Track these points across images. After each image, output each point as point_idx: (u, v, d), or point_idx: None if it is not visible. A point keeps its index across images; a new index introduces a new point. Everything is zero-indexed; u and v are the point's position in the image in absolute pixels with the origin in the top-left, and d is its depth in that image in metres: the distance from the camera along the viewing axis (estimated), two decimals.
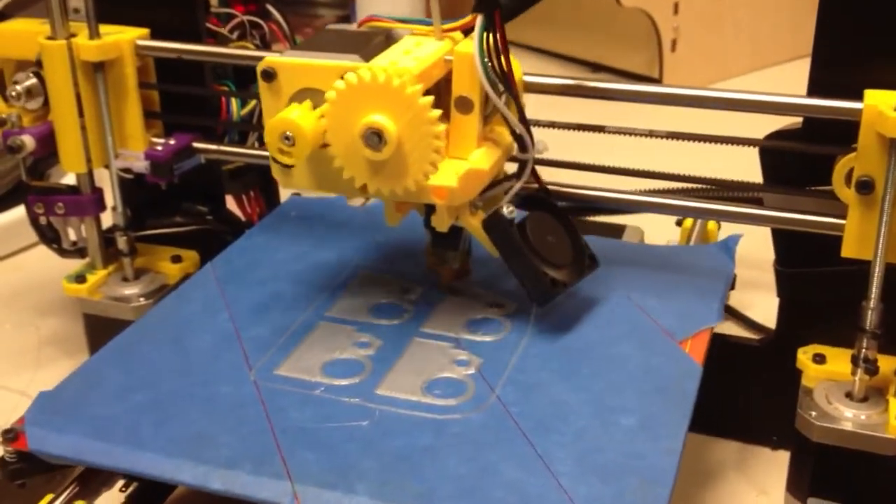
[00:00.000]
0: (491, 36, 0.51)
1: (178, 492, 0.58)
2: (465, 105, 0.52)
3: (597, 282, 0.59)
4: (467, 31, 0.53)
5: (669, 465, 0.47)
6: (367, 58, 0.52)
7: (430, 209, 0.57)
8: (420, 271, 0.63)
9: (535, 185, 0.58)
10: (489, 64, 0.51)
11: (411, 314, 0.59)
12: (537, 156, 0.55)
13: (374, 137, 0.49)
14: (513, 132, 0.53)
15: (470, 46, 0.51)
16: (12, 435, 0.51)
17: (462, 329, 0.58)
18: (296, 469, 0.47)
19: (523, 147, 0.54)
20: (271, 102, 0.52)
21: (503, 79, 0.52)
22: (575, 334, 0.56)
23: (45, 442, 0.50)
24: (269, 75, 0.52)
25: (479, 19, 0.50)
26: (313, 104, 0.51)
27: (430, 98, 0.49)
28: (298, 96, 0.52)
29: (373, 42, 0.53)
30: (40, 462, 0.50)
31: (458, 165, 0.52)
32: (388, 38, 0.54)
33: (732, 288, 0.64)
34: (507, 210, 0.54)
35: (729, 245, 0.65)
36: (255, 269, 0.65)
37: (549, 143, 0.56)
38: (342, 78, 0.49)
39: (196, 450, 0.48)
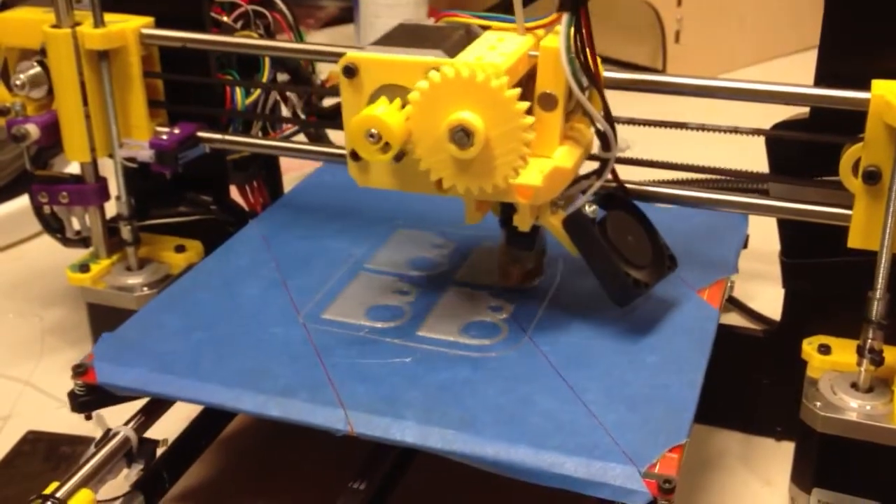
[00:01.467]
0: (576, 32, 0.50)
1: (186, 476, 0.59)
2: (549, 101, 0.51)
3: None
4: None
5: (691, 395, 0.50)
6: (451, 53, 0.51)
7: (507, 208, 0.57)
8: (453, 227, 0.66)
9: (613, 184, 0.57)
10: (574, 59, 0.50)
11: (447, 266, 0.63)
12: (619, 154, 0.54)
13: (462, 135, 0.48)
14: (596, 129, 0.53)
15: (555, 42, 0.50)
16: (82, 369, 0.54)
17: (494, 279, 0.61)
18: (347, 398, 0.50)
19: (606, 145, 0.53)
20: (352, 99, 0.51)
21: (589, 75, 0.51)
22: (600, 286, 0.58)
23: (112, 375, 0.54)
24: (351, 71, 0.51)
25: (566, 16, 0.49)
26: (398, 101, 0.50)
27: (518, 91, 0.48)
28: (380, 93, 0.51)
29: (453, 37, 0.52)
30: (107, 395, 0.54)
31: (543, 164, 0.51)
32: (468, 34, 0.53)
33: (745, 247, 0.66)
34: (589, 209, 0.54)
35: None
36: (297, 225, 0.68)
37: None
38: (427, 75, 0.48)
39: (254, 381, 0.52)
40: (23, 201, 0.87)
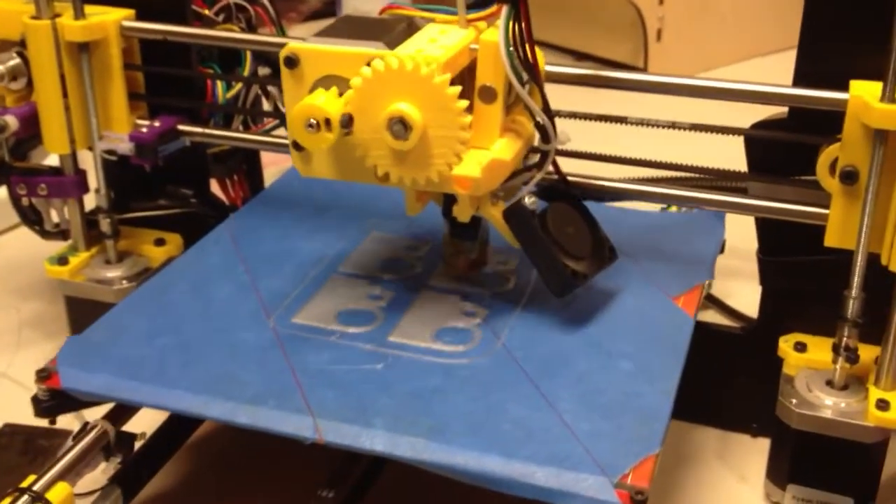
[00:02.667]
0: (516, 25, 0.50)
1: (160, 473, 0.59)
2: (488, 94, 0.51)
3: None
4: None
5: (664, 404, 0.50)
6: (392, 45, 0.51)
7: (449, 199, 0.57)
8: (426, 230, 0.66)
9: (555, 176, 0.58)
10: (514, 53, 0.51)
11: (420, 269, 0.62)
12: (559, 146, 0.55)
13: (400, 126, 0.49)
14: (536, 122, 0.53)
15: (495, 35, 0.50)
16: (45, 374, 0.53)
17: (468, 283, 0.60)
18: (316, 405, 0.50)
19: (546, 137, 0.54)
20: (294, 89, 0.52)
21: (528, 68, 0.51)
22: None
23: (76, 380, 0.53)
24: (292, 62, 0.51)
25: (505, 8, 0.50)
26: (335, 90, 0.50)
27: (458, 88, 0.48)
28: (321, 83, 0.51)
29: (395, 30, 0.53)
30: (71, 400, 0.53)
31: (482, 155, 0.51)
32: (410, 26, 0.54)
33: (721, 251, 0.66)
34: (528, 201, 0.55)
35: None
36: (268, 226, 0.67)
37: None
38: (368, 65, 0.49)
39: (222, 387, 0.51)
40: (0, 193, 0.86)
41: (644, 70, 1.30)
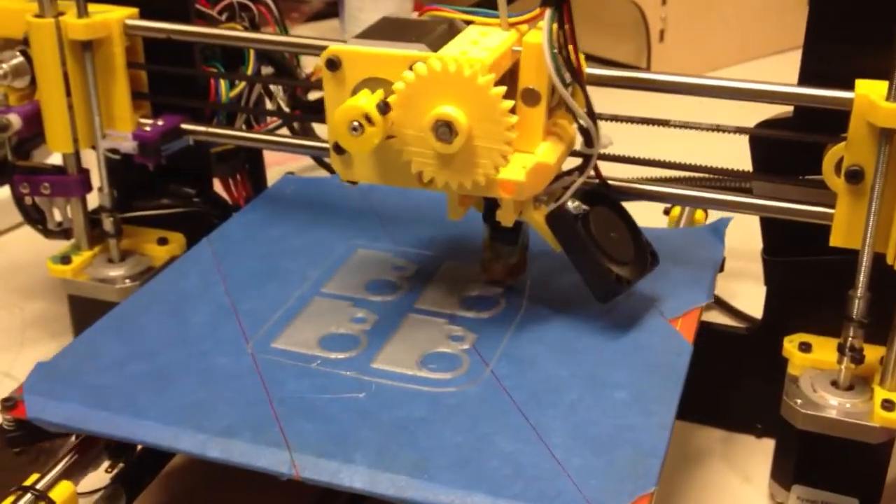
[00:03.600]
0: (559, 28, 0.50)
1: (170, 464, 0.58)
2: (532, 97, 0.51)
3: None
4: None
5: (661, 438, 0.47)
6: (434, 48, 0.50)
7: (489, 203, 0.56)
8: (415, 248, 0.64)
9: (596, 180, 0.57)
10: (557, 55, 0.50)
11: (406, 290, 0.60)
12: (601, 150, 0.54)
13: (445, 129, 0.48)
14: (579, 126, 0.53)
15: (539, 37, 0.50)
16: (11, 403, 0.51)
17: (456, 305, 0.58)
18: (294, 438, 0.47)
19: (589, 141, 0.53)
20: (335, 92, 0.51)
21: (571, 71, 0.51)
22: (568, 312, 0.57)
23: (43, 410, 0.50)
24: (334, 64, 0.50)
25: (549, 11, 0.49)
26: (380, 92, 0.50)
27: (503, 89, 0.48)
28: (363, 86, 0.50)
29: (436, 31, 0.52)
30: (39, 430, 0.51)
31: (526, 159, 0.50)
32: (452, 28, 0.53)
33: (721, 270, 0.64)
34: (572, 205, 0.54)
35: (719, 227, 0.66)
36: (250, 244, 0.65)
37: None
38: (411, 68, 0.48)
39: (194, 418, 0.49)
40: (3, 192, 0.86)
41: (647, 71, 1.30)
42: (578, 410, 0.49)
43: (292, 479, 0.46)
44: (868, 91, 0.51)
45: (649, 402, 0.50)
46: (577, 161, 0.55)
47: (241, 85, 0.74)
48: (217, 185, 0.78)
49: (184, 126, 0.69)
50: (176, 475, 0.60)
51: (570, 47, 0.50)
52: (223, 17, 0.74)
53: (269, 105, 0.79)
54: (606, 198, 0.57)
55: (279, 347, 0.54)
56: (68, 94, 0.66)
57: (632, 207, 0.67)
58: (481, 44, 0.51)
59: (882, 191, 0.51)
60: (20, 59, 0.66)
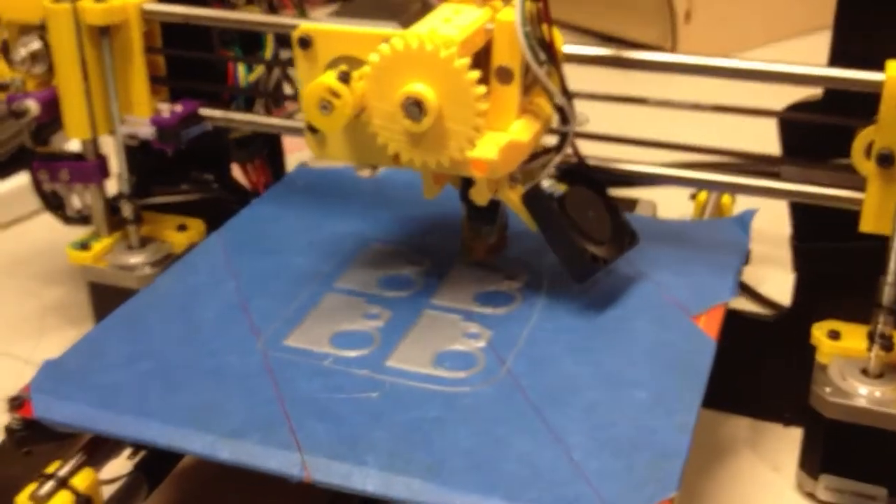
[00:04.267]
0: (533, 5, 0.49)
1: (187, 459, 0.58)
2: (505, 75, 0.50)
3: None
4: None
5: (682, 441, 0.46)
6: (406, 25, 0.50)
7: (466, 182, 0.56)
8: (429, 243, 0.62)
9: (574, 159, 0.57)
10: (531, 33, 0.50)
11: (421, 286, 0.58)
12: (577, 128, 0.53)
13: (414, 108, 0.48)
14: (554, 104, 0.52)
15: (512, 15, 0.49)
16: (18, 402, 0.50)
17: (472, 302, 0.57)
18: (305, 439, 0.46)
19: (564, 119, 0.53)
20: (307, 70, 0.51)
21: (545, 49, 0.50)
22: (587, 308, 0.56)
23: (50, 410, 0.49)
24: (306, 42, 0.51)
25: None
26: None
27: (467, 61, 0.47)
28: (335, 64, 0.50)
29: (410, 9, 0.52)
30: (46, 430, 0.50)
31: (499, 137, 0.50)
32: (425, 6, 0.53)
33: (747, 263, 0.63)
34: (547, 184, 0.53)
35: (744, 220, 0.64)
36: (261, 238, 0.64)
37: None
38: (383, 45, 0.48)
39: (204, 419, 0.48)
40: (22, 178, 0.86)
41: (672, 52, 1.28)
42: (597, 411, 0.48)
43: (303, 482, 0.45)
44: None
45: (671, 403, 0.48)
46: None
47: (260, 69, 0.73)
48: (236, 171, 0.78)
49: (202, 111, 0.68)
50: (187, 474, 0.60)
51: (544, 25, 0.50)
52: (241, 1, 0.73)
53: (288, 90, 0.78)
54: (586, 177, 0.56)
55: (290, 345, 0.53)
56: (86, 79, 0.66)
57: (659, 193, 0.66)
58: (454, 21, 0.50)
59: None
60: (38, 44, 0.66)
